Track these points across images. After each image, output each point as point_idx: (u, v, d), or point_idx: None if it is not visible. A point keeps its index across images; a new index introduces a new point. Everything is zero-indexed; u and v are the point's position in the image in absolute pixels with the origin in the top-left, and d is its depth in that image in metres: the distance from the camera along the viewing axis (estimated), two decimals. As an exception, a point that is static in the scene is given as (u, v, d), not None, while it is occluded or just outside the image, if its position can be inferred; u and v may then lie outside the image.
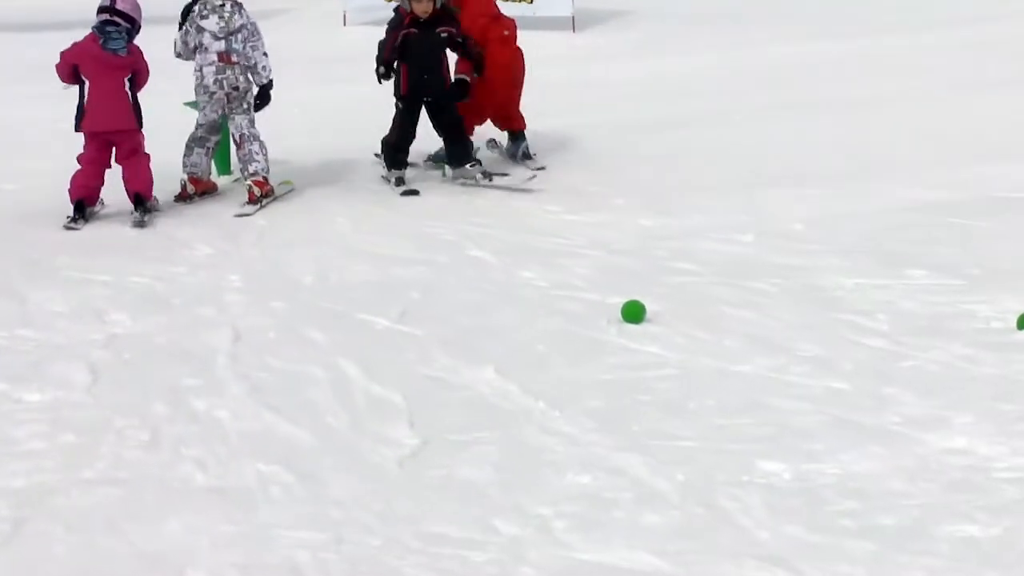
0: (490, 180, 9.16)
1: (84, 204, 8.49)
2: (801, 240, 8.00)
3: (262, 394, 5.81)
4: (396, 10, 9.17)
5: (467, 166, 9.20)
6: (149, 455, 5.22)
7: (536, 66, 10.03)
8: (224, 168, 9.67)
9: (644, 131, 11.10)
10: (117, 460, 5.18)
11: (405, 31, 8.94)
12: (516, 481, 4.98)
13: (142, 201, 8.53)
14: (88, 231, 8.42)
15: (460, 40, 9.10)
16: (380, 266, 7.64)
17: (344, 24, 16.81)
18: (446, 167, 9.39)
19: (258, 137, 9.09)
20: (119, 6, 8.54)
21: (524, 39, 9.85)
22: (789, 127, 11.14)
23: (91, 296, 7.15)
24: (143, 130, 8.68)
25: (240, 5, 9.10)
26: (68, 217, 8.45)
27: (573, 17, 16.24)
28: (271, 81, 9.03)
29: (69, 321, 6.78)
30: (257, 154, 9.05)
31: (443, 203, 8.87)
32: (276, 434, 5.41)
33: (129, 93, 8.59)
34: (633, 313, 6.65)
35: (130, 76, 8.60)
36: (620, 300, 6.77)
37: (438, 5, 8.97)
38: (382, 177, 9.31)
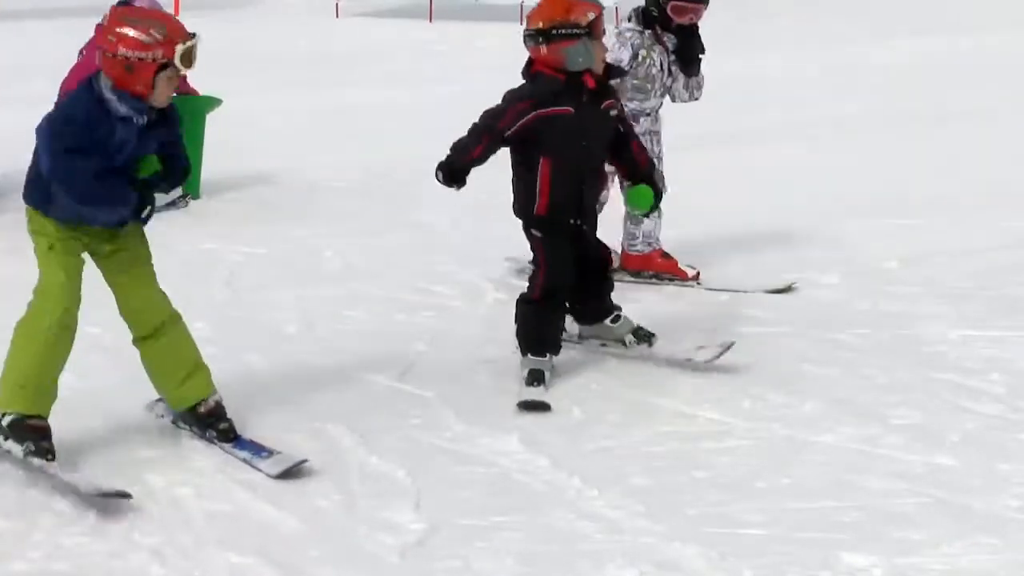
0: (651, 344, 7.02)
1: None
2: (897, 282, 8.02)
3: (234, 468, 5.81)
4: (530, 74, 6.55)
5: (607, 322, 7.05)
6: (95, 543, 5.22)
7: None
8: (193, 190, 9.91)
9: (704, 146, 11.12)
10: (56, 549, 5.17)
11: (556, 108, 6.43)
12: (545, 576, 4.99)
13: None
14: (20, 268, 8.46)
15: (623, 130, 6.76)
16: (379, 311, 7.69)
17: (336, 16, 16.97)
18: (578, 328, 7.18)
19: None
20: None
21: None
22: (883, 143, 11.15)
23: (26, 347, 7.18)
24: None
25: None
26: None
27: (616, 8, 16.16)
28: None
29: (-1, 378, 6.81)
30: None
31: (458, 236, 8.87)
32: (251, 518, 5.41)
33: None
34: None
35: None
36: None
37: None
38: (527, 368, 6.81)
